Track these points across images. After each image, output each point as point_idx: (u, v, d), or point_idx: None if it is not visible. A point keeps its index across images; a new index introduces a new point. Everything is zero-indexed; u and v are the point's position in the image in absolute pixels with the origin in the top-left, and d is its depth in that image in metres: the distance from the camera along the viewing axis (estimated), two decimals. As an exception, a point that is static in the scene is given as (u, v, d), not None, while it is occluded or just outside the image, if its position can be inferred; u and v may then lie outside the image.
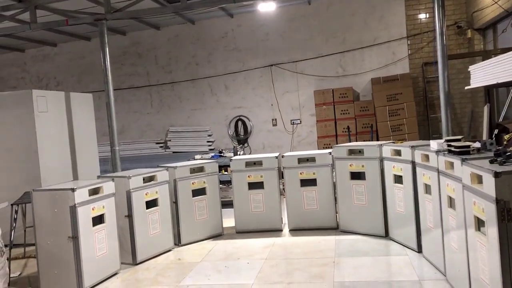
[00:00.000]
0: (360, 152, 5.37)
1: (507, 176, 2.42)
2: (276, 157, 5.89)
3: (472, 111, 8.95)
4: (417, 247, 4.55)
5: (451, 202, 3.43)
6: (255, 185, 5.88)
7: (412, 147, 4.50)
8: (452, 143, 3.43)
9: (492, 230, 2.54)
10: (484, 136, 5.78)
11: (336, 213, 5.70)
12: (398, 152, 4.81)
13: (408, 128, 8.76)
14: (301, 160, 5.81)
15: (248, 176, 5.89)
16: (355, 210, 5.41)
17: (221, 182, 7.08)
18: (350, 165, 5.41)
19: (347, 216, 5.50)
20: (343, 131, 9.04)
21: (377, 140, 8.71)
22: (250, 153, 9.51)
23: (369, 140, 8.58)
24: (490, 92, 5.87)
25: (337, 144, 8.96)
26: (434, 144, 4.00)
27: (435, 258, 4.07)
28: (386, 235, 5.17)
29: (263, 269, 4.49)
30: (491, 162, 2.72)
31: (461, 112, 9.10)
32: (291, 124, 9.60)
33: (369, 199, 5.27)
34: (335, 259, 4.61)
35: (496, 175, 2.42)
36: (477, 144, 3.44)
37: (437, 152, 3.77)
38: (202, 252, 5.24)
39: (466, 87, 5.81)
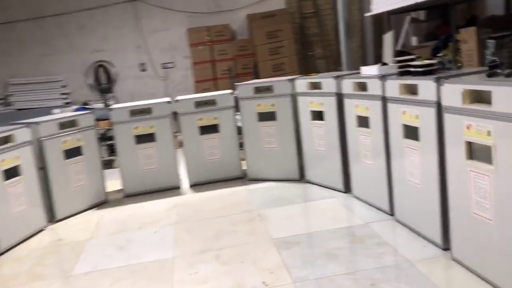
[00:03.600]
0: (269, 89, 4.70)
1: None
2: (169, 102, 4.91)
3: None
4: (344, 187, 4.15)
5: (411, 132, 2.98)
6: (145, 138, 4.86)
7: (337, 77, 3.97)
8: (412, 63, 2.94)
9: (506, 156, 2.10)
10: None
11: (242, 160, 5.05)
12: (316, 85, 4.26)
13: (289, 67, 8.38)
14: (199, 104, 4.93)
15: (135, 128, 4.83)
16: (264, 154, 4.80)
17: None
18: (258, 105, 4.73)
19: (256, 162, 4.87)
20: (222, 74, 8.28)
21: (260, 81, 8.17)
22: (117, 105, 8.21)
23: (252, 82, 7.99)
24: (388, 19, 5.66)
25: (217, 88, 8.21)
26: (372, 70, 3.51)
27: (374, 197, 3.68)
28: (301, 178, 4.70)
29: (179, 237, 3.64)
30: (490, 76, 2.26)
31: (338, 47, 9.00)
32: (163, 68, 8.49)
33: (281, 141, 4.70)
34: (259, 212, 3.96)
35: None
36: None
37: (383, 77, 3.27)
38: (88, 226, 4.14)
39: (366, 14, 5.48)
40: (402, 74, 3.05)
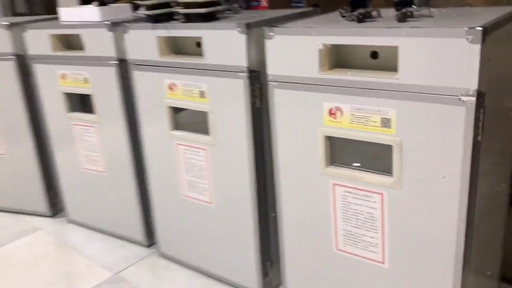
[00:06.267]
0: None
1: (493, 35, 1.06)
2: None
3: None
4: (50, 209, 2.57)
5: (197, 122, 1.76)
6: None
7: (12, 25, 2.25)
8: (181, 1, 1.64)
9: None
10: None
11: None
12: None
13: None
14: None
15: None
16: None
17: None
18: None
19: None
20: None
21: None
22: None
23: None
24: None
25: None
26: (86, 13, 2.00)
27: (111, 221, 2.31)
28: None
29: None
30: (402, 19, 1.23)
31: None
32: None
33: None
34: None
35: (486, 33, 1.02)
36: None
37: (116, 25, 1.87)
38: None
39: None
40: (156, 20, 1.73)
